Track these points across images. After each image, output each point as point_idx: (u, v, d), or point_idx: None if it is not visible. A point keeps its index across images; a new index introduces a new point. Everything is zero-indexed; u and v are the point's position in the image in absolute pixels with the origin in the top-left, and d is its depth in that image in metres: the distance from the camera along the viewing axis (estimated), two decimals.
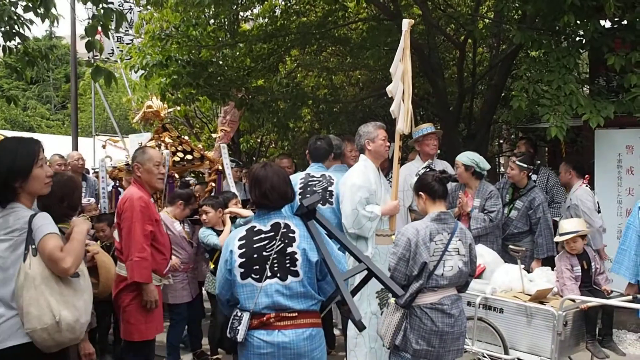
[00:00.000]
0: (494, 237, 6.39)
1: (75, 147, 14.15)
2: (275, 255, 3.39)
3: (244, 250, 3.43)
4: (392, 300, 4.33)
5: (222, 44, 10.63)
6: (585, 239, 5.72)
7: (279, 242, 3.42)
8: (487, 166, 6.47)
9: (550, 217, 6.61)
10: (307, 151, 6.21)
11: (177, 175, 8.49)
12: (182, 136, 9.79)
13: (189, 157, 7.90)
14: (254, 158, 15.21)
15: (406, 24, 5.28)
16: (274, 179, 3.53)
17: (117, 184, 8.39)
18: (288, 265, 3.39)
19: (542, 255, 6.41)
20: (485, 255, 5.84)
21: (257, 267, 3.39)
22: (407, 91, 5.17)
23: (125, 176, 8.32)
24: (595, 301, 5.33)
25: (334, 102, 13.11)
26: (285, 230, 3.45)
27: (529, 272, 5.89)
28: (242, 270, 3.41)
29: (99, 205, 7.92)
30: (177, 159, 8.44)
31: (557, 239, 5.76)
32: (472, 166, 6.37)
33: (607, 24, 7.50)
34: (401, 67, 5.20)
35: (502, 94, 10.76)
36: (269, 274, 3.37)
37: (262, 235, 3.46)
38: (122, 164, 8.19)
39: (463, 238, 4.25)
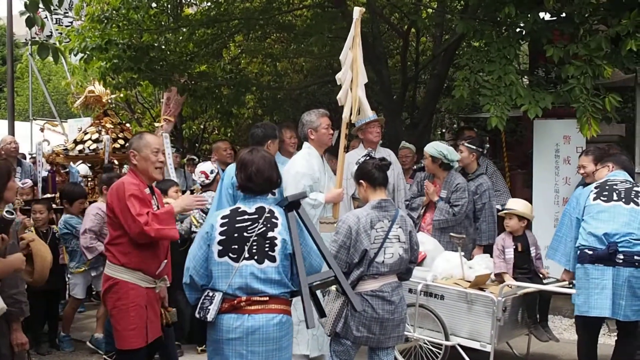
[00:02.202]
0: (462, 228, 6.24)
1: (11, 131, 13.64)
2: (255, 238, 3.40)
3: (225, 228, 3.43)
4: (333, 287, 4.32)
5: (164, 28, 10.41)
6: (524, 221, 5.77)
7: (261, 226, 3.42)
8: (457, 157, 6.32)
9: (494, 204, 6.59)
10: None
11: (117, 162, 8.32)
12: (124, 122, 9.59)
13: None
14: (196, 145, 14.99)
15: (357, 12, 5.23)
16: (260, 163, 3.53)
17: (54, 169, 8.17)
18: (267, 249, 3.39)
19: (485, 241, 6.40)
20: (427, 242, 5.88)
21: (236, 246, 3.39)
22: (355, 80, 5.16)
23: (62, 161, 8.11)
24: (532, 287, 5.45)
25: (278, 88, 13.03)
26: (269, 215, 3.46)
27: (470, 259, 5.97)
28: (221, 248, 3.40)
29: (37, 191, 7.70)
30: (117, 145, 8.28)
31: (500, 213, 5.89)
32: (439, 158, 6.22)
33: (547, 16, 7.65)
34: (351, 55, 5.18)
35: (445, 84, 10.88)
36: (246, 255, 3.37)
37: (246, 217, 3.46)
38: (61, 148, 7.99)
39: (403, 225, 4.27)
